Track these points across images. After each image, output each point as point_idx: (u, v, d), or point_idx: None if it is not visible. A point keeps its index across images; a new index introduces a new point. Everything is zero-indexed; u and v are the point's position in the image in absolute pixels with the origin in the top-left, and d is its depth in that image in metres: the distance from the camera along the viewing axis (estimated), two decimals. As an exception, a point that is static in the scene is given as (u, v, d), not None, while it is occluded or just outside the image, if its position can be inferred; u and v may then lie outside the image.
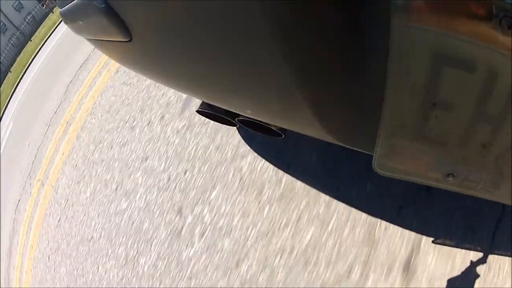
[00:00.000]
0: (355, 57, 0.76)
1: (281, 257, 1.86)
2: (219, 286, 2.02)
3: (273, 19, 0.72)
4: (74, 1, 1.06)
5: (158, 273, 2.43)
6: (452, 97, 0.66)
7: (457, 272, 1.39)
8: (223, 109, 1.78)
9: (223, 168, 2.49)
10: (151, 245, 2.61)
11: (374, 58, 0.74)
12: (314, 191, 1.96)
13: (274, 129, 1.71)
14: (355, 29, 0.73)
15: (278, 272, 1.83)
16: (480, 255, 1.37)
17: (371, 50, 0.74)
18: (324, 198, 1.90)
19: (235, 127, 2.49)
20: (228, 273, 2.02)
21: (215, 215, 2.31)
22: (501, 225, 1.38)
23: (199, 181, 2.58)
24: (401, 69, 0.66)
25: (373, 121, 0.78)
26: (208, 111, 1.87)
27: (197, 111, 1.94)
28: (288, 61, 0.79)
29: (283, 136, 1.79)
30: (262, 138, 1.78)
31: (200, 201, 2.46)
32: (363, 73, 0.79)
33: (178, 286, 2.24)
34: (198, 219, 2.39)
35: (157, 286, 2.37)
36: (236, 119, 1.81)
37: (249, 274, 1.94)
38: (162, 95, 3.69)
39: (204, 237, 2.28)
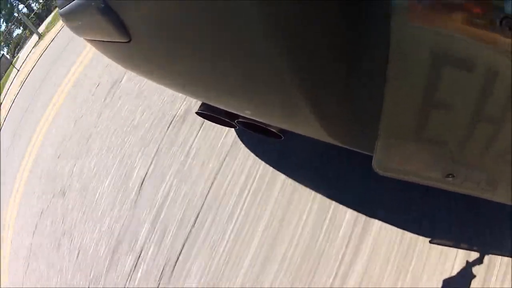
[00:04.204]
0: (355, 57, 0.76)
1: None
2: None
3: (273, 19, 0.72)
4: (74, 1, 1.06)
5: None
6: (452, 97, 0.66)
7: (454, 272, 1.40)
8: (222, 110, 1.77)
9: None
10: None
11: (374, 58, 0.74)
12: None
13: (274, 130, 1.71)
14: (355, 29, 0.72)
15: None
16: (476, 254, 1.38)
17: (371, 50, 0.73)
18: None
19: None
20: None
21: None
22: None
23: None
24: (401, 69, 0.66)
25: (373, 122, 0.78)
26: (208, 113, 1.87)
27: (197, 113, 1.94)
28: (287, 61, 0.79)
29: (283, 137, 1.78)
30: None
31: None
32: (363, 73, 0.78)
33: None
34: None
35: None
36: (235, 121, 1.80)
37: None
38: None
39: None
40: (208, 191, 2.45)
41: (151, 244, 2.56)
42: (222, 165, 2.49)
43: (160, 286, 2.30)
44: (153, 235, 2.60)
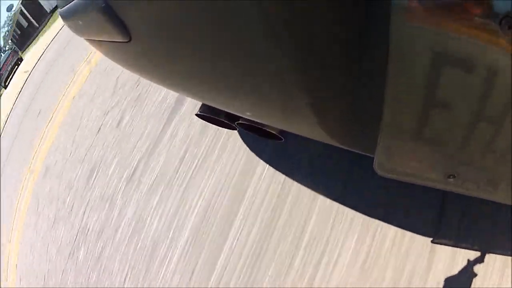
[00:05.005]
0: (356, 57, 0.76)
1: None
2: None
3: (273, 19, 0.72)
4: (74, 1, 1.06)
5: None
6: (452, 97, 0.65)
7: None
8: (222, 112, 1.77)
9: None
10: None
11: (374, 58, 0.73)
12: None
13: (274, 132, 1.71)
14: (356, 30, 0.72)
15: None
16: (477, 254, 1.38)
17: (371, 50, 0.73)
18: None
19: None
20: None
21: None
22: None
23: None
24: (401, 69, 0.66)
25: (373, 122, 0.78)
26: (208, 115, 1.87)
27: (197, 115, 1.93)
28: (288, 61, 0.79)
29: (283, 139, 1.78)
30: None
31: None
32: (363, 73, 0.78)
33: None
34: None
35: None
36: (236, 123, 1.80)
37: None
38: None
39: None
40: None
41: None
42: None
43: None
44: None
